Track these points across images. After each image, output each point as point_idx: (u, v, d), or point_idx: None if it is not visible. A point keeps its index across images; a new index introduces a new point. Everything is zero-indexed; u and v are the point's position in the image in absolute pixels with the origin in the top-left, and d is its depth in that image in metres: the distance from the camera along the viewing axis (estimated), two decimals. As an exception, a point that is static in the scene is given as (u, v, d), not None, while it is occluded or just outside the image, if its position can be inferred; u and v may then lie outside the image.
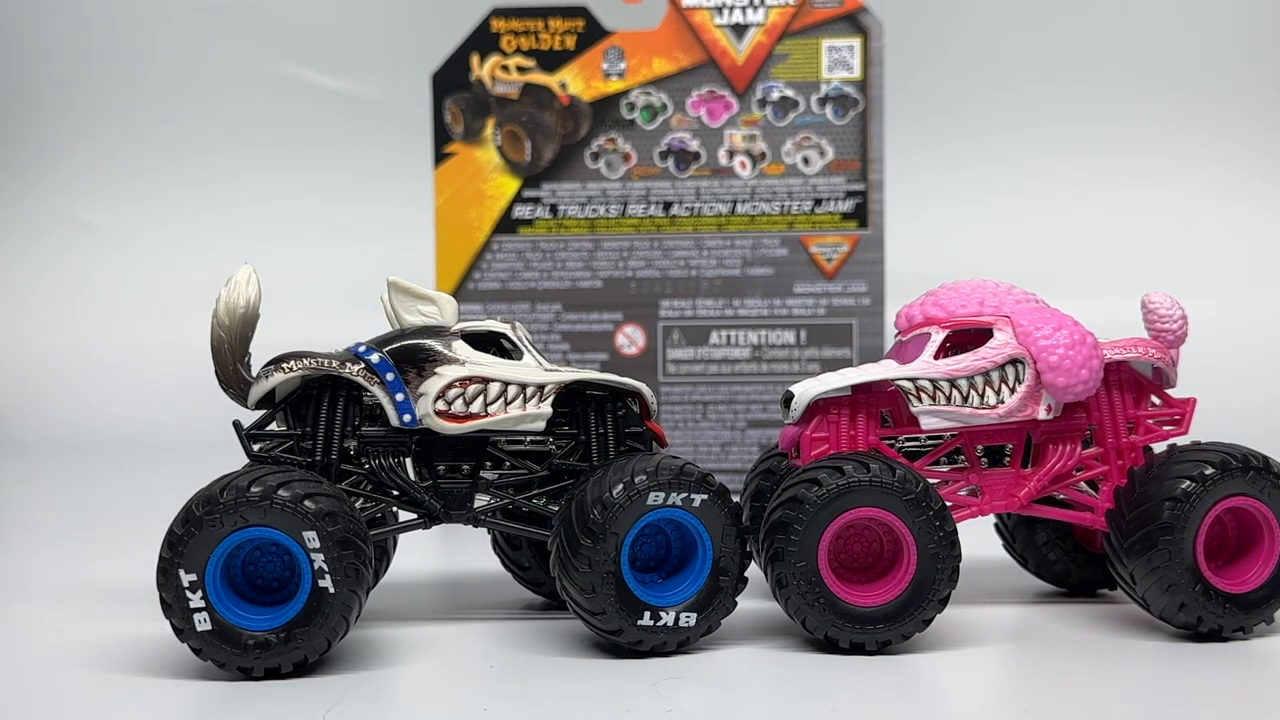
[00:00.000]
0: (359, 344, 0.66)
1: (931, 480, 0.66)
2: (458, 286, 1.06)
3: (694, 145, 1.06)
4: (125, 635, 0.67)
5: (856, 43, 1.05)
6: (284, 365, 0.65)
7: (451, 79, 1.06)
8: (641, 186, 1.07)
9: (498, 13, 1.06)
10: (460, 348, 0.66)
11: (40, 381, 1.54)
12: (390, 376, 0.65)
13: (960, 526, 0.65)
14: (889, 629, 0.63)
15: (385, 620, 0.70)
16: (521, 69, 1.06)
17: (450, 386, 0.65)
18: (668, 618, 0.63)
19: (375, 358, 0.65)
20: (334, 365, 0.65)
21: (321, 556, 0.59)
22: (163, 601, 0.59)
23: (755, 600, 0.70)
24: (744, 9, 1.05)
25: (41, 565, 0.88)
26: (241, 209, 1.61)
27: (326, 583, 0.59)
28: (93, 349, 1.56)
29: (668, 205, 1.07)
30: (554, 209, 1.07)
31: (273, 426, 0.66)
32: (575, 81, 1.06)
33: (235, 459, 0.66)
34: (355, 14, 1.60)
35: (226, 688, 0.59)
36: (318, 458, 0.65)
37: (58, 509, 1.10)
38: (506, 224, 1.07)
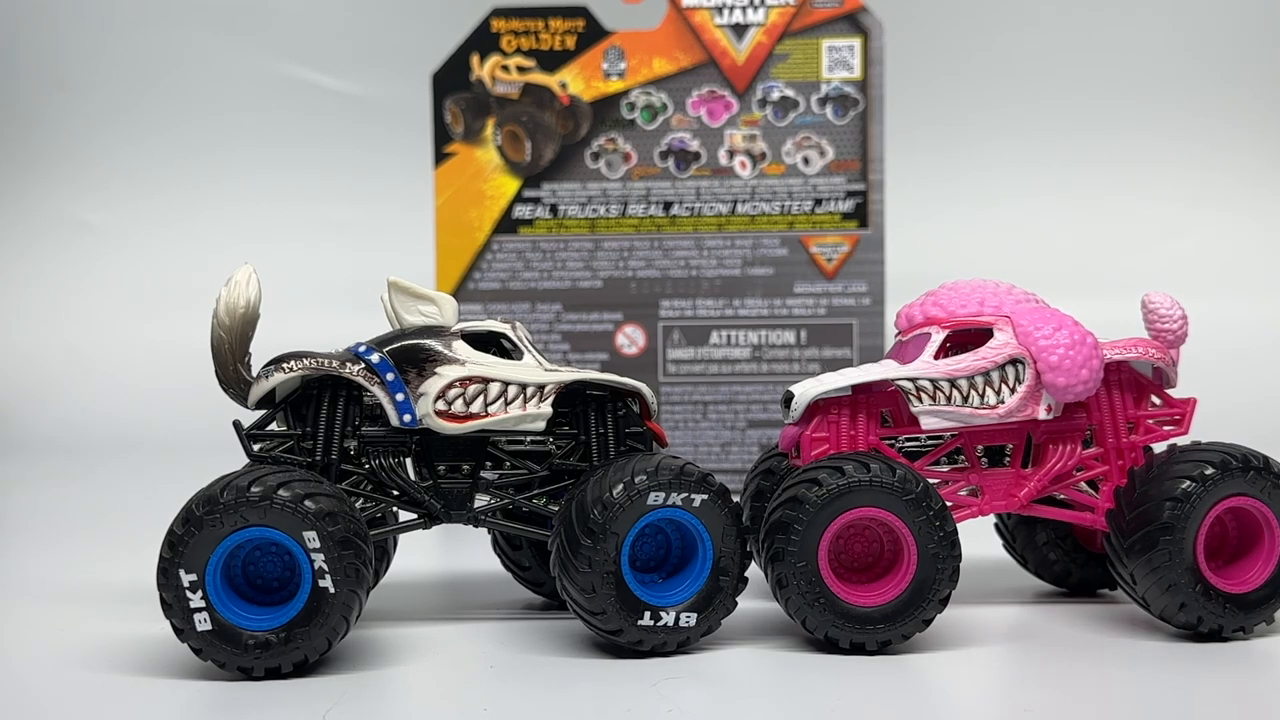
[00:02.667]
0: (359, 344, 0.66)
1: (931, 480, 0.66)
2: (458, 286, 1.06)
3: (694, 145, 1.06)
4: (125, 635, 0.67)
5: (856, 43, 1.05)
6: (284, 365, 0.65)
7: (451, 79, 1.06)
8: (641, 186, 1.07)
9: (498, 13, 1.06)
10: (460, 348, 0.66)
11: (40, 381, 1.54)
12: (390, 376, 0.65)
13: (960, 526, 0.65)
14: (889, 629, 0.63)
15: (385, 620, 0.70)
16: (521, 69, 1.06)
17: (450, 386, 0.65)
18: (668, 618, 0.63)
19: (375, 358, 0.65)
20: (334, 365, 0.65)
21: (321, 556, 0.59)
22: (163, 601, 0.59)
23: (755, 600, 0.70)
24: (744, 9, 1.05)
25: (41, 565, 0.88)
26: (241, 209, 1.61)
27: (327, 583, 0.59)
28: (92, 349, 1.56)
29: (668, 205, 1.07)
30: (554, 209, 1.07)
31: (273, 426, 0.66)
32: (575, 81, 1.06)
33: (235, 459, 0.66)
34: (355, 14, 1.60)
35: (226, 688, 0.59)
36: (318, 458, 0.65)
37: (58, 509, 1.10)
38: (506, 224, 1.07)
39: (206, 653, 0.59)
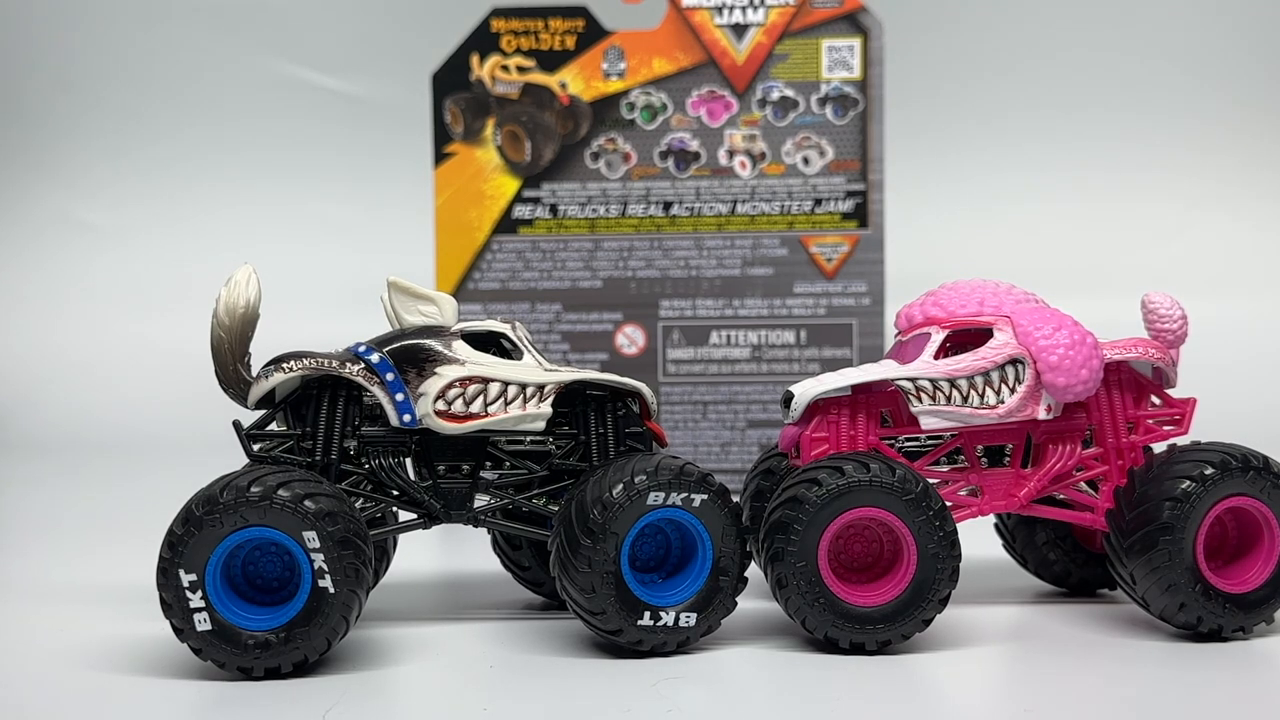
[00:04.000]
0: (359, 344, 0.66)
1: (931, 480, 0.66)
2: (458, 286, 1.06)
3: (694, 145, 1.06)
4: (125, 635, 0.67)
5: (856, 43, 1.05)
6: (284, 365, 0.65)
7: (451, 79, 1.06)
8: (641, 186, 1.07)
9: (498, 13, 1.06)
10: (460, 348, 0.66)
11: (40, 381, 1.54)
12: (390, 376, 0.65)
13: (960, 526, 0.65)
14: (889, 629, 0.63)
15: (385, 620, 0.70)
16: (521, 69, 1.06)
17: (450, 386, 0.65)
18: (668, 618, 0.63)
19: (375, 358, 0.65)
20: (334, 365, 0.65)
21: (321, 556, 0.59)
22: (163, 601, 0.59)
23: (755, 600, 0.70)
24: (744, 9, 1.05)
25: (42, 565, 0.88)
26: (241, 209, 1.61)
27: (326, 583, 0.59)
28: (93, 349, 1.56)
29: (668, 205, 1.07)
30: (554, 209, 1.07)
31: (273, 426, 0.66)
32: (575, 81, 1.06)
33: (235, 459, 0.66)
34: (355, 14, 1.60)
35: (226, 688, 0.59)
36: (318, 458, 0.65)
37: (57, 509, 1.10)
38: (506, 224, 1.07)
39: (206, 653, 0.59)
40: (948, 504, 0.64)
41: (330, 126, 1.60)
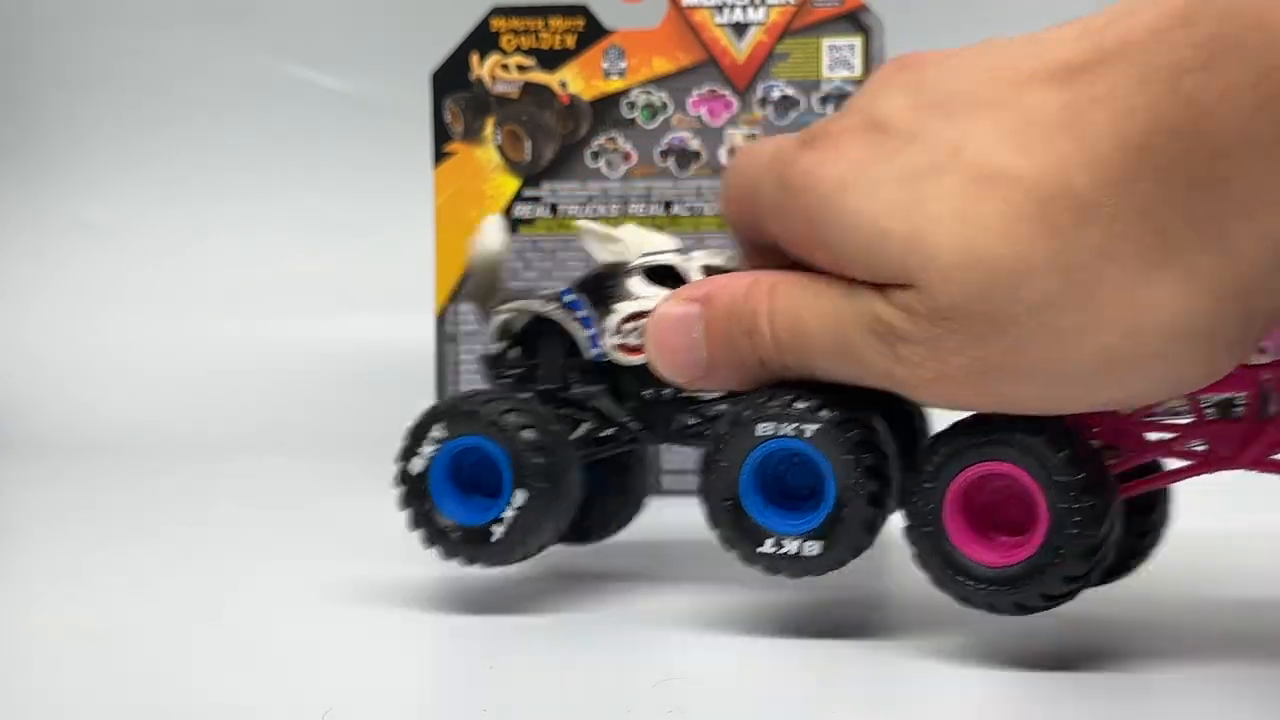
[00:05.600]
0: (565, 288, 0.73)
1: (1151, 435, 0.60)
2: (458, 287, 1.06)
3: (695, 144, 1.06)
4: (125, 636, 0.67)
5: (857, 42, 1.05)
6: (502, 307, 0.73)
7: (451, 78, 1.06)
8: (642, 186, 1.07)
9: (498, 12, 1.06)
10: (635, 284, 0.71)
11: (40, 381, 1.54)
12: (582, 313, 0.70)
13: None
14: (1009, 593, 0.59)
15: (388, 618, 0.70)
16: (521, 68, 1.06)
17: (626, 321, 0.69)
18: (790, 546, 0.62)
19: (570, 296, 0.71)
20: (538, 306, 0.71)
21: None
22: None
23: (756, 600, 0.70)
24: (744, 8, 1.05)
25: (41, 565, 0.87)
26: (240, 208, 1.61)
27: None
28: (93, 349, 1.56)
29: (668, 204, 1.07)
30: (554, 208, 1.07)
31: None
32: (575, 81, 1.06)
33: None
34: (355, 14, 1.60)
35: (225, 688, 0.59)
36: (543, 388, 0.71)
37: (58, 509, 1.10)
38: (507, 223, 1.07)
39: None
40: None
41: (329, 126, 1.60)
